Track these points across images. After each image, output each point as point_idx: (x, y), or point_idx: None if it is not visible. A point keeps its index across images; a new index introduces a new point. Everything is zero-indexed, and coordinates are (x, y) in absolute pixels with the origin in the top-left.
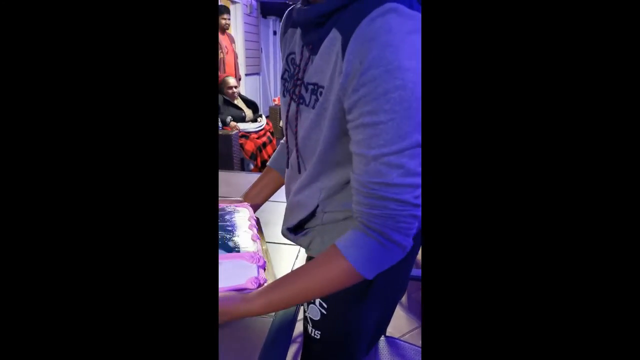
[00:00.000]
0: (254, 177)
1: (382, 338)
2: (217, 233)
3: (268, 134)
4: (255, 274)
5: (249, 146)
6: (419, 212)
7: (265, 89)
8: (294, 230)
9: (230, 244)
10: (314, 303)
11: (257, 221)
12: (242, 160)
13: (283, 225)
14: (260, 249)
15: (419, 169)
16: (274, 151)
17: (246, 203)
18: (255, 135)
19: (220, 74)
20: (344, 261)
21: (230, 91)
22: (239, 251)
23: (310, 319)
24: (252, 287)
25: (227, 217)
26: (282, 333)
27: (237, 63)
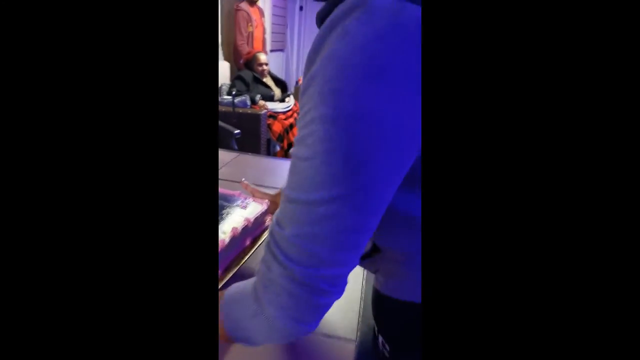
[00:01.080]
0: None
1: None
2: (217, 230)
3: (295, 114)
4: None
5: (277, 127)
6: (321, 300)
7: (288, 67)
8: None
9: None
10: (378, 338)
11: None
12: (269, 141)
13: None
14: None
15: (339, 239)
16: None
17: (267, 201)
18: (283, 116)
19: (249, 48)
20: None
21: (260, 68)
22: None
23: (383, 355)
24: None
25: (222, 211)
26: None
27: (265, 38)
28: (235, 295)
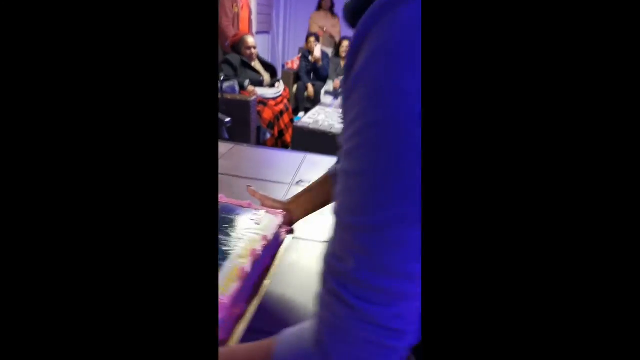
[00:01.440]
0: (297, 157)
1: None
2: (217, 237)
3: (285, 101)
4: None
5: (267, 114)
6: (398, 342)
7: (274, 50)
8: None
9: None
10: None
11: (289, 230)
12: (259, 128)
13: None
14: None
15: (413, 267)
16: (290, 120)
17: (281, 212)
18: (273, 102)
19: (236, 30)
20: None
21: (248, 52)
22: None
23: None
24: None
25: (233, 227)
26: None
27: (251, 19)
28: (291, 349)
